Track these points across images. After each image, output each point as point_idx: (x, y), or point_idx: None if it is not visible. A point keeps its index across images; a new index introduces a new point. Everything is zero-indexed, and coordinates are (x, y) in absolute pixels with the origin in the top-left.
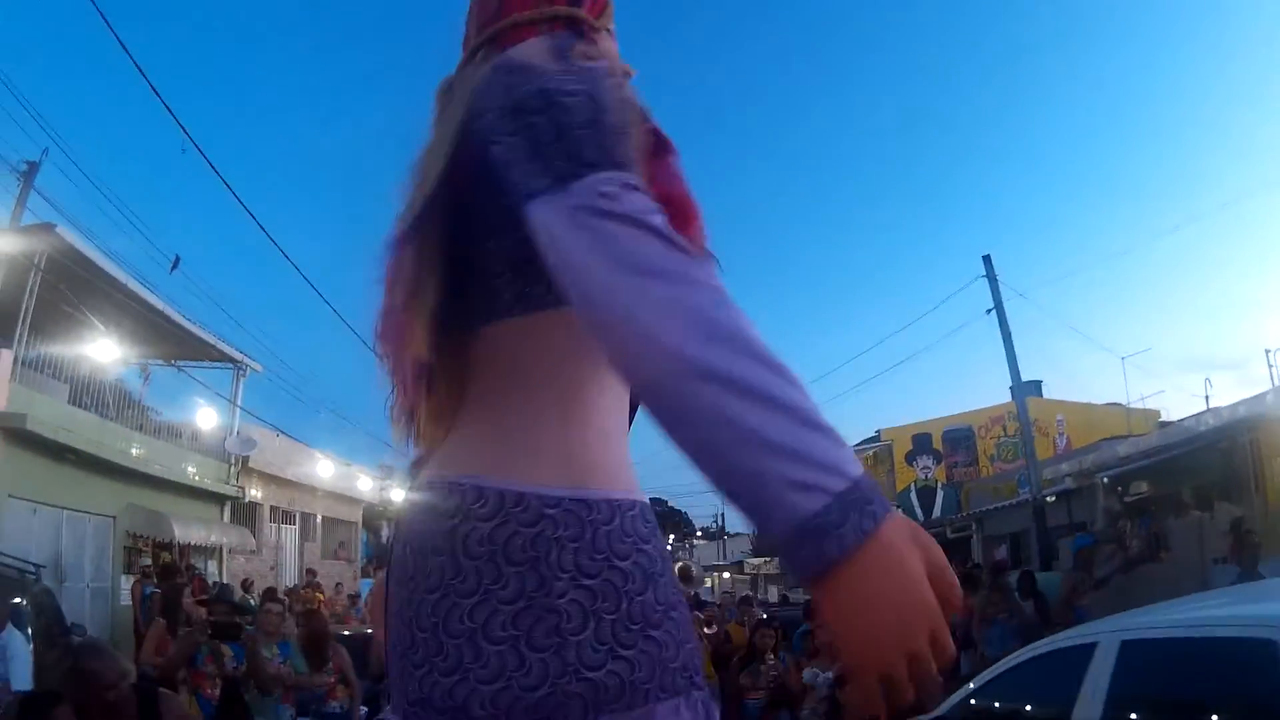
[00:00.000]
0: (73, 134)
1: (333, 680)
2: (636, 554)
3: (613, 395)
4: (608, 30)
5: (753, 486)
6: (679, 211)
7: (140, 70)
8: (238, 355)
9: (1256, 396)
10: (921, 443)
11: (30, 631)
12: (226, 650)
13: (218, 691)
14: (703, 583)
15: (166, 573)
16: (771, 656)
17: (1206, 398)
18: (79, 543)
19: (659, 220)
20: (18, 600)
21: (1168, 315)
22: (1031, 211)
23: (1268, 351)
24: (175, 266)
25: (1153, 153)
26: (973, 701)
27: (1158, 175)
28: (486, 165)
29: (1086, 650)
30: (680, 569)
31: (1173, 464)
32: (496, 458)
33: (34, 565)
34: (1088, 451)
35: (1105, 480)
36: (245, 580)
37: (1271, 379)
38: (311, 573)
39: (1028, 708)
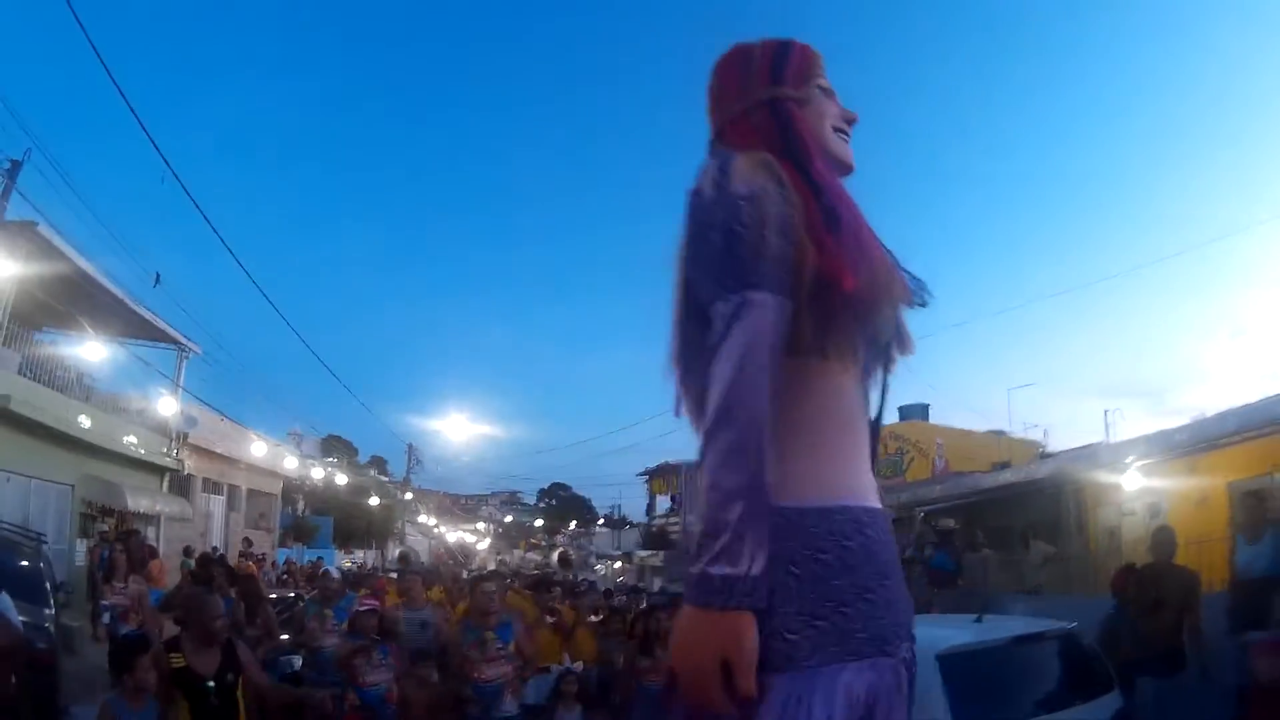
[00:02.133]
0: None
1: (260, 634)
2: (838, 549)
3: (843, 424)
4: (820, 87)
5: (716, 529)
6: (846, 270)
7: (129, 104)
8: (181, 338)
9: (1086, 447)
10: None
11: (49, 587)
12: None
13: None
14: (591, 568)
15: (124, 536)
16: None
17: (1041, 451)
18: (43, 508)
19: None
20: (24, 563)
21: (1082, 353)
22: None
23: (1106, 411)
24: (157, 282)
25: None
26: None
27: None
28: None
29: None
30: (560, 555)
31: (1003, 502)
32: None
33: (36, 532)
34: (928, 484)
35: (921, 514)
36: (187, 547)
37: (1107, 435)
38: (247, 542)
39: None
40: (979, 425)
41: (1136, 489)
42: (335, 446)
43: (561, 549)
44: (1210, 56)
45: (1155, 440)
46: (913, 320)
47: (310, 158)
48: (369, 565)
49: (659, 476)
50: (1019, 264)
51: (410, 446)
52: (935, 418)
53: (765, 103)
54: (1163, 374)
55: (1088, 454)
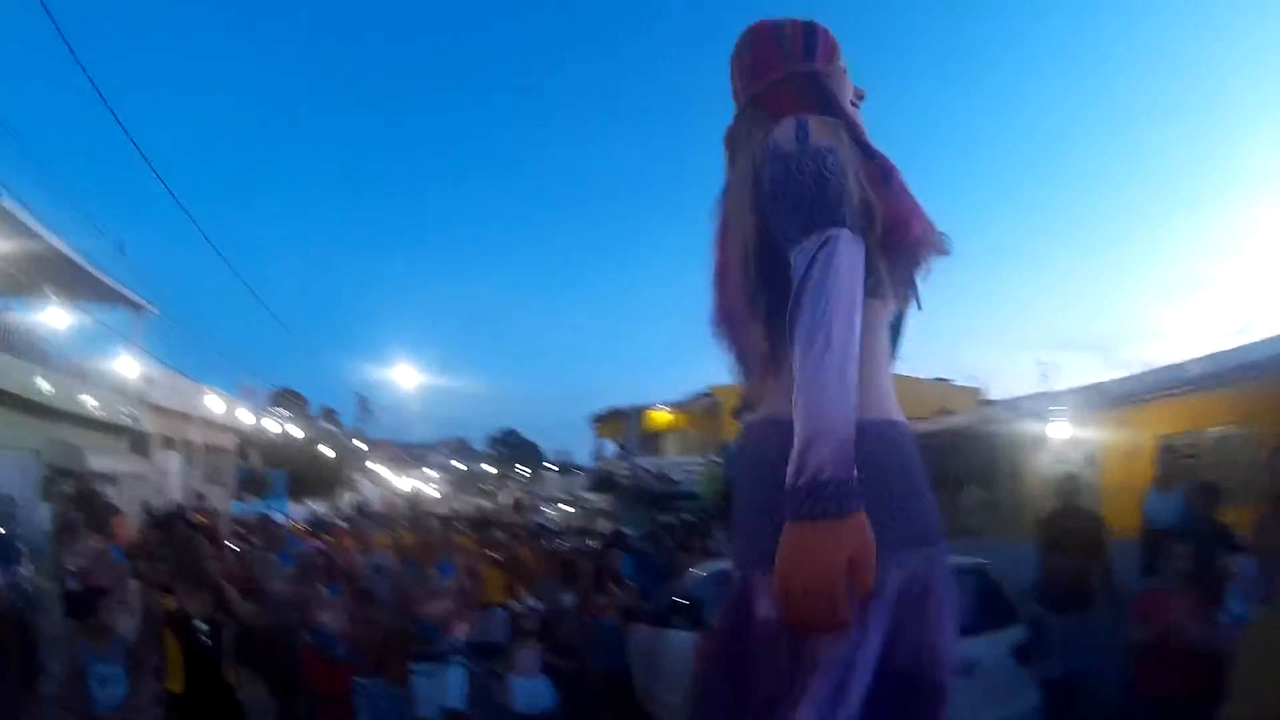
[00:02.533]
0: None
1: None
2: (897, 455)
3: (885, 353)
4: (840, 68)
5: (816, 442)
6: (904, 219)
7: (96, 86)
8: (136, 298)
9: (1021, 397)
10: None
11: (25, 551)
12: None
13: None
14: (541, 512)
15: (84, 497)
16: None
17: (983, 399)
18: (8, 475)
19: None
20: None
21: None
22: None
23: (1040, 361)
24: (122, 252)
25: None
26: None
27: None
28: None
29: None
30: (515, 501)
31: (937, 450)
32: None
33: (8, 496)
34: None
35: None
36: (146, 504)
37: (1044, 386)
38: (200, 496)
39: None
40: (923, 373)
41: (1069, 439)
42: (287, 399)
43: (516, 496)
44: (1176, 31)
45: (1089, 392)
46: None
47: (261, 102)
48: (322, 514)
49: (608, 421)
50: (981, 213)
51: (360, 396)
52: None
53: (803, 74)
54: (1115, 329)
55: (1020, 404)
